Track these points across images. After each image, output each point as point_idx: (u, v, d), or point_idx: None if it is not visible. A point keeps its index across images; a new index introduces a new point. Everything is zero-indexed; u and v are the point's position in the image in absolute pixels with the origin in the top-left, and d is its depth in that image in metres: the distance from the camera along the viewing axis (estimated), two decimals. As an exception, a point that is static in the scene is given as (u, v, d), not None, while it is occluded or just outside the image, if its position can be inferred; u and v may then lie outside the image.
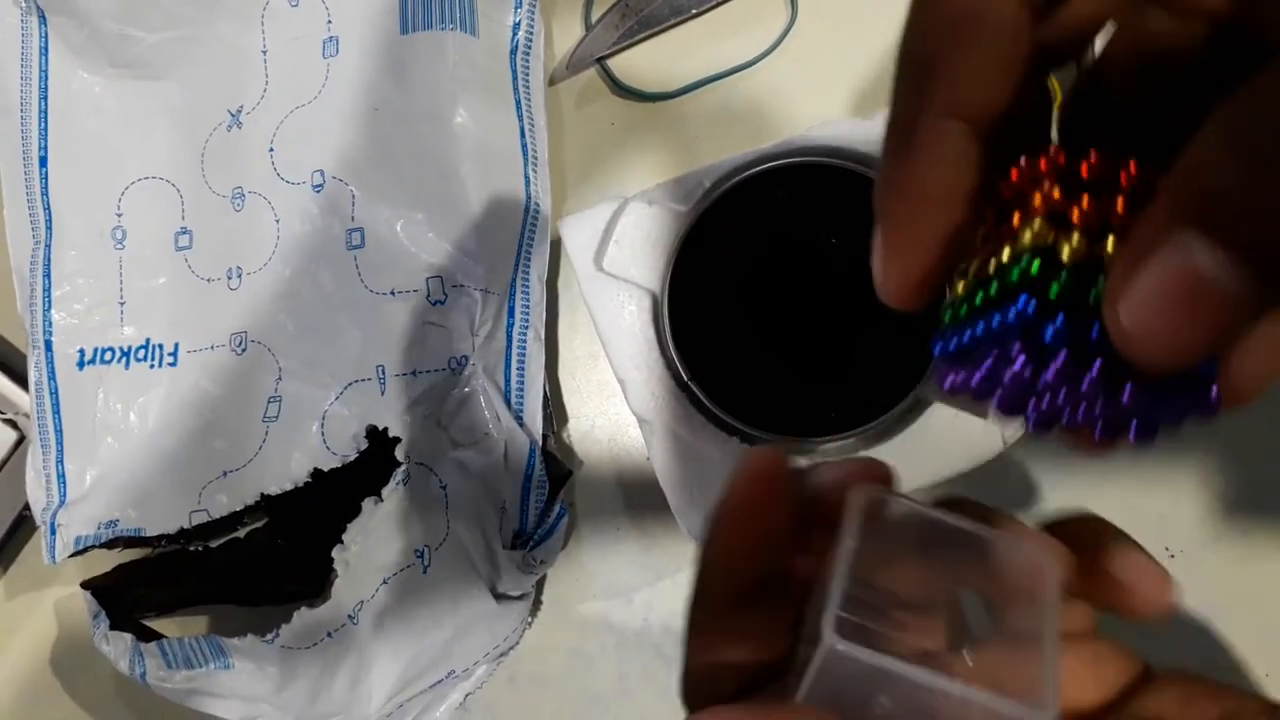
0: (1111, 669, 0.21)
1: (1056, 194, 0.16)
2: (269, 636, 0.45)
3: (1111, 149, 0.17)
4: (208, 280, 0.51)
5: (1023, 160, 0.17)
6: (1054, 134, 0.19)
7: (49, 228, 0.52)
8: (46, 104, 0.53)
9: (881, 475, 0.21)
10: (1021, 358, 0.16)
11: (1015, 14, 0.17)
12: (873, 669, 0.17)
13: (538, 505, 0.47)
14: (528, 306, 0.48)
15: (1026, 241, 0.16)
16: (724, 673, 0.21)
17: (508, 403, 0.47)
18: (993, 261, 0.16)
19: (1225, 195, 0.13)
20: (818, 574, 0.21)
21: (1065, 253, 0.15)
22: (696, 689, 0.22)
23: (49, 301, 0.52)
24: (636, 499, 0.51)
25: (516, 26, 0.50)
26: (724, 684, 0.21)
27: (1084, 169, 0.16)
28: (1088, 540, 0.21)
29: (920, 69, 0.17)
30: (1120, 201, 0.16)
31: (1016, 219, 0.16)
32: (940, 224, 0.17)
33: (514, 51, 0.50)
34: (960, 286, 0.17)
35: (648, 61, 0.53)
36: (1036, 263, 0.15)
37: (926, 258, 0.18)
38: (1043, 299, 0.15)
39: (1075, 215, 0.16)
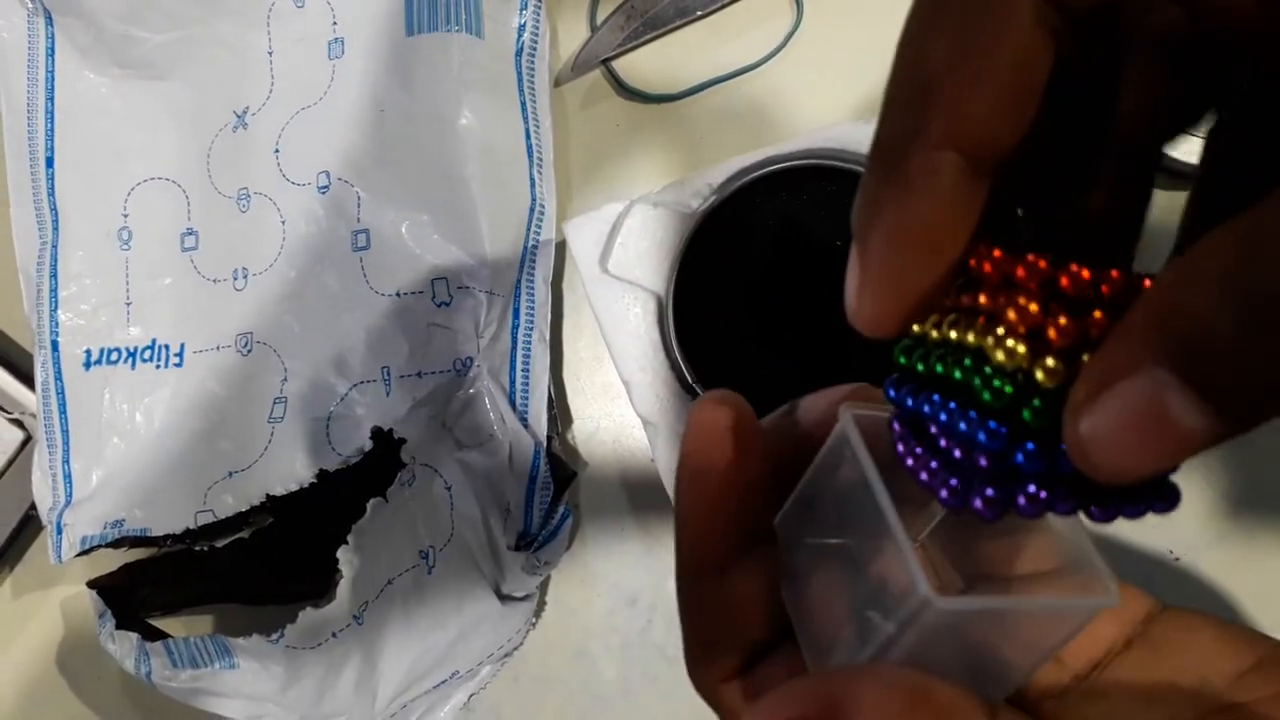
0: (1129, 607, 0.21)
1: (1034, 308, 0.15)
2: (274, 636, 0.46)
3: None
4: (213, 281, 0.51)
5: (996, 253, 0.16)
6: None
7: (55, 228, 0.52)
8: (53, 104, 0.53)
9: (871, 395, 0.19)
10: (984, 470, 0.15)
11: (1033, 35, 0.15)
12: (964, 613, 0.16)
13: (542, 506, 0.47)
14: (532, 308, 0.48)
15: (1000, 359, 0.15)
16: (727, 644, 0.20)
17: (512, 404, 0.47)
18: (969, 333, 0.16)
19: (1211, 349, 0.12)
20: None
21: (1041, 377, 0.15)
22: (702, 668, 0.21)
23: (55, 302, 0.52)
24: (641, 500, 0.52)
25: (522, 28, 0.50)
26: (730, 657, 0.20)
27: (1066, 281, 0.15)
28: None
29: (918, 86, 0.16)
30: (1099, 316, 0.15)
31: (986, 300, 0.16)
32: (925, 268, 0.16)
33: (519, 53, 0.50)
34: (930, 328, 0.17)
35: (653, 63, 0.53)
36: (1009, 389, 0.15)
37: (905, 299, 0.16)
38: (1014, 424, 0.15)
39: (1053, 334, 0.15)
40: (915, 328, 0.17)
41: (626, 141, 0.54)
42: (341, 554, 0.46)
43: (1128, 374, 0.13)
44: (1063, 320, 0.15)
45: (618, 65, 0.53)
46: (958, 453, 0.16)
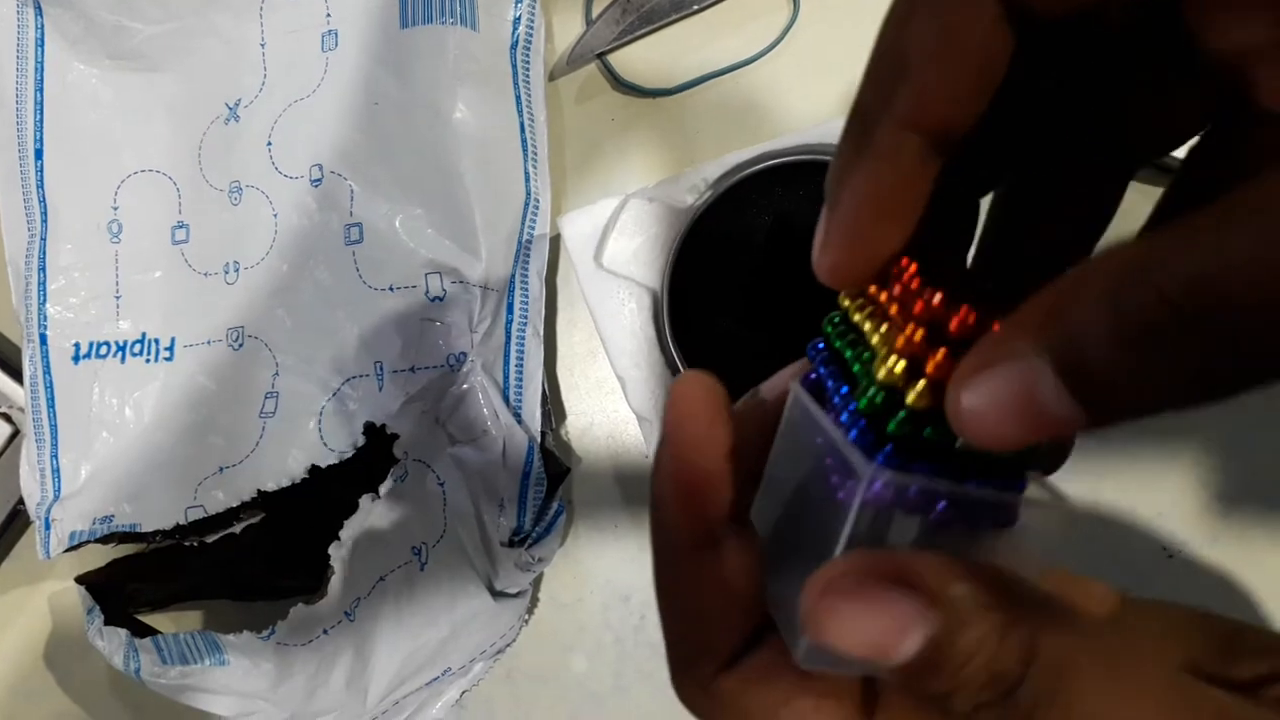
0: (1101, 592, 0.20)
1: (918, 337, 0.17)
2: (265, 633, 0.45)
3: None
4: (204, 274, 0.50)
5: (912, 269, 0.18)
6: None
7: (44, 221, 0.52)
8: (42, 96, 0.53)
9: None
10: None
11: (994, 36, 0.17)
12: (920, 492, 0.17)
13: (536, 503, 0.47)
14: (526, 303, 0.48)
15: (880, 375, 0.17)
16: (712, 634, 0.20)
17: (506, 400, 0.47)
18: (874, 332, 0.18)
19: (1084, 352, 0.14)
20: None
21: (910, 399, 0.17)
22: (686, 667, 0.20)
23: (44, 295, 0.51)
24: (635, 496, 0.51)
25: (517, 21, 0.50)
26: (716, 649, 0.20)
27: (954, 325, 0.17)
28: None
29: (891, 68, 0.18)
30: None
31: (895, 311, 0.18)
32: (880, 233, 0.18)
33: (514, 46, 0.50)
34: (855, 308, 0.19)
35: (648, 57, 0.53)
36: (880, 399, 0.17)
37: (862, 256, 0.18)
38: (879, 431, 0.17)
39: (929, 367, 0.17)
40: (845, 301, 0.19)
41: (621, 136, 0.53)
42: (333, 550, 0.45)
43: (1009, 358, 0.14)
44: (939, 355, 0.16)
45: (613, 59, 0.53)
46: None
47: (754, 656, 0.20)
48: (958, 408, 0.15)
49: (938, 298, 0.17)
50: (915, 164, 0.18)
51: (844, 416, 0.18)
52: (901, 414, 0.17)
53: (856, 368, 0.18)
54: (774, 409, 0.21)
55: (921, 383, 0.17)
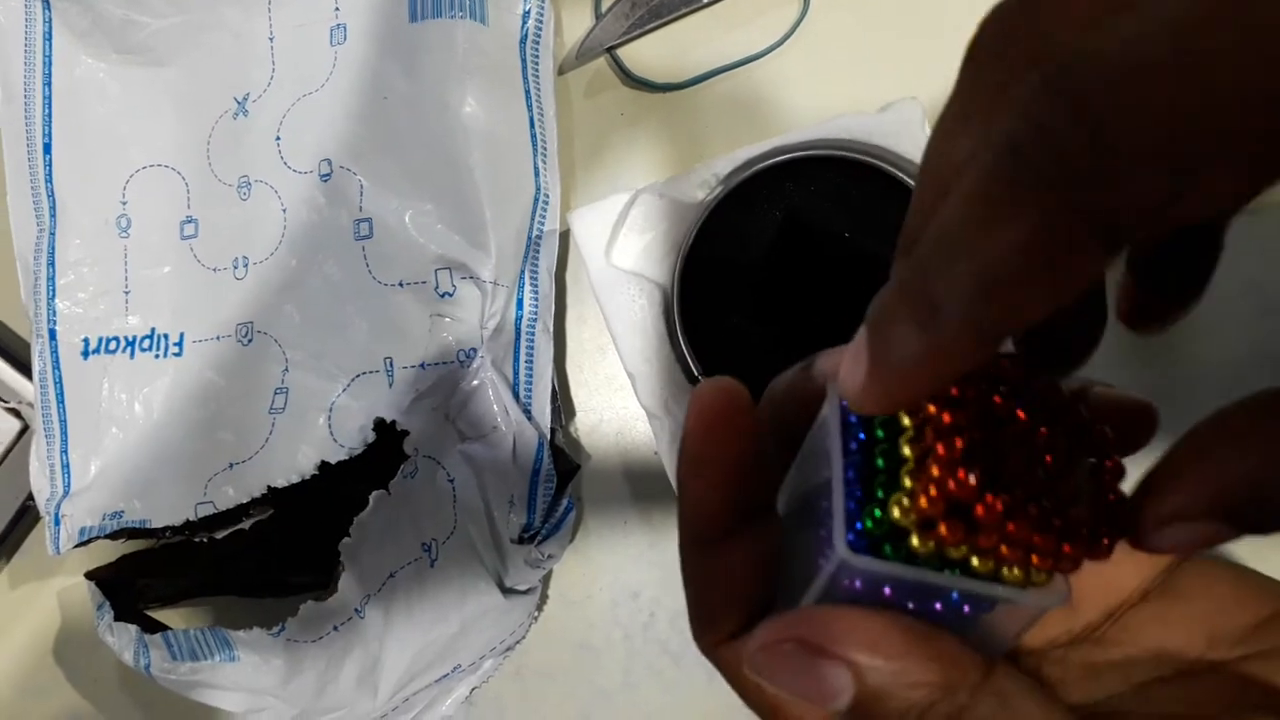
0: (1149, 557, 0.21)
1: (940, 509, 0.17)
2: (275, 630, 0.45)
3: None
4: (213, 269, 0.50)
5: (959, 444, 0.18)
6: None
7: (53, 215, 0.52)
8: (50, 90, 0.52)
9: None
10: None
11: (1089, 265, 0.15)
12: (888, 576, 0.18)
13: (545, 499, 0.47)
14: (536, 299, 0.48)
15: (894, 513, 0.17)
16: (724, 609, 0.21)
17: (516, 396, 0.47)
18: (906, 460, 0.18)
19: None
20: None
21: (915, 542, 0.17)
22: (702, 632, 0.22)
23: (53, 290, 0.51)
24: (644, 493, 0.51)
25: (526, 15, 0.49)
26: (728, 621, 0.21)
27: (980, 510, 0.17)
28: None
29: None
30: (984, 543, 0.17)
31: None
32: (921, 388, 0.17)
33: (524, 40, 0.49)
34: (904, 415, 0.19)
35: (658, 51, 0.53)
36: (875, 525, 0.18)
37: (893, 400, 0.17)
38: (873, 542, 0.18)
39: (943, 529, 0.17)
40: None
41: (631, 130, 0.53)
42: (343, 547, 0.45)
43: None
44: (943, 529, 0.17)
45: (623, 53, 0.53)
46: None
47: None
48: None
49: (973, 479, 0.17)
50: (978, 351, 0.16)
51: (852, 513, 0.18)
52: (899, 545, 0.18)
53: (880, 483, 0.18)
54: (820, 389, 0.21)
55: (930, 540, 0.17)
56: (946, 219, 0.15)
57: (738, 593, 0.21)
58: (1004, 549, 0.17)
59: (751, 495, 0.21)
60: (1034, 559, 0.17)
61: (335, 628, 0.46)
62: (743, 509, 0.21)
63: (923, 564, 0.18)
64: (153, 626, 0.48)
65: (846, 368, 0.17)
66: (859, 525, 0.18)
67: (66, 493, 0.50)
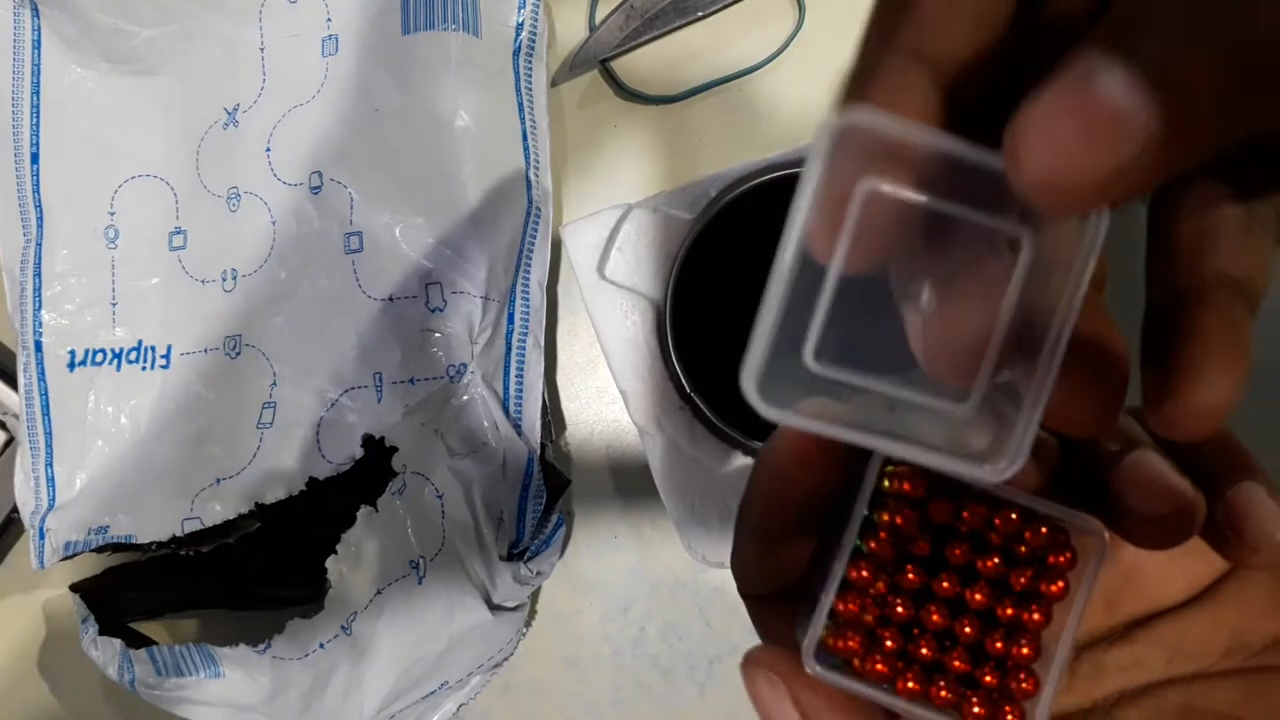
0: (1198, 564, 0.21)
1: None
2: (260, 646, 0.45)
3: None
4: (202, 281, 0.50)
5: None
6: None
7: (40, 226, 0.51)
8: (38, 99, 0.52)
9: None
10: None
11: None
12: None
13: (535, 515, 0.46)
14: (527, 313, 0.47)
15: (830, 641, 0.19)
16: (765, 582, 0.22)
17: (506, 411, 0.46)
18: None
19: (1141, 26, 0.12)
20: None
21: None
22: (742, 583, 0.23)
23: (39, 301, 0.51)
24: (634, 507, 0.51)
25: (520, 27, 0.49)
26: (765, 589, 0.22)
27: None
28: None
29: (893, 11, 0.17)
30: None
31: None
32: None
33: (517, 52, 0.49)
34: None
35: (652, 64, 0.53)
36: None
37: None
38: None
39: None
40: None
41: (624, 143, 0.53)
42: (331, 563, 0.45)
43: (1062, 72, 0.13)
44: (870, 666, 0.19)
45: (616, 65, 0.53)
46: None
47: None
48: (1013, 141, 0.13)
49: (854, 644, 0.19)
50: (922, 91, 0.16)
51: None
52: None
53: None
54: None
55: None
56: None
57: (775, 574, 0.22)
58: (944, 692, 0.19)
59: (812, 513, 0.21)
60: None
61: (322, 644, 0.45)
62: (801, 524, 0.21)
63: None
64: (138, 640, 0.47)
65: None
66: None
67: (51, 506, 0.49)
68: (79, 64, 0.52)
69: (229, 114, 0.50)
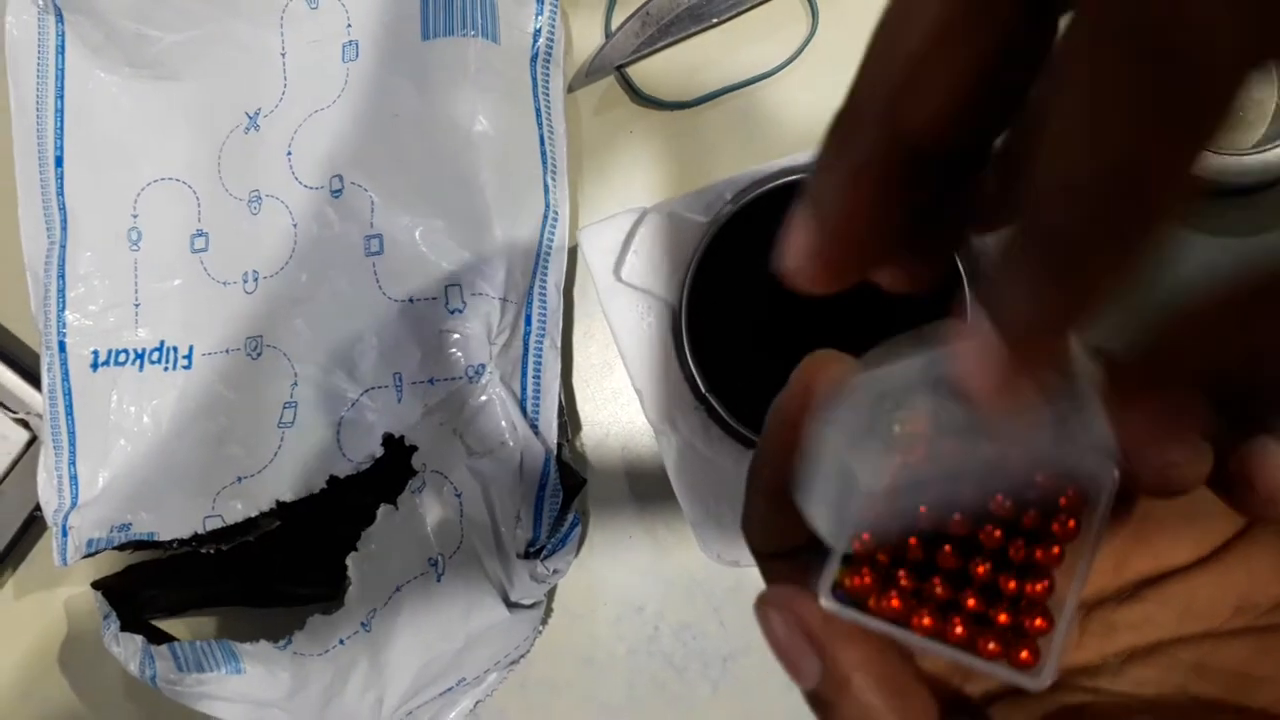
0: (1207, 525, 0.21)
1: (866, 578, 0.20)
2: (281, 642, 0.45)
3: None
4: (223, 283, 0.51)
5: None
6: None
7: (64, 228, 0.52)
8: (63, 103, 0.53)
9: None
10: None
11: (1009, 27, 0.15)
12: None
13: (551, 514, 0.47)
14: (545, 315, 0.48)
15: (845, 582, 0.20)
16: (773, 540, 0.22)
17: (523, 411, 0.47)
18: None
19: None
20: None
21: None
22: (749, 537, 0.23)
23: (63, 302, 0.51)
24: (649, 508, 0.51)
25: (537, 33, 0.50)
26: (774, 546, 0.23)
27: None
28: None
29: (881, 61, 0.16)
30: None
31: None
32: (849, 234, 0.17)
33: (534, 58, 0.50)
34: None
35: (667, 70, 0.53)
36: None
37: (826, 258, 0.17)
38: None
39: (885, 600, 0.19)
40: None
41: (640, 148, 0.53)
42: (350, 560, 0.46)
43: None
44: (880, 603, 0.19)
45: (632, 71, 0.53)
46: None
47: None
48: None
49: (868, 579, 0.19)
50: (893, 171, 0.16)
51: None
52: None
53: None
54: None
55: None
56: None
57: (787, 530, 0.22)
58: (958, 628, 0.19)
59: None
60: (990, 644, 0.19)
61: (341, 641, 0.46)
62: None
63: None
64: (159, 637, 0.48)
65: (784, 246, 0.17)
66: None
67: (74, 504, 0.50)
68: (102, 69, 0.53)
69: (250, 118, 0.51)
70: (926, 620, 0.19)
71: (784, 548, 0.22)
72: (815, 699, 0.20)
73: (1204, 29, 0.11)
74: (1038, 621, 0.19)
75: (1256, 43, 0.11)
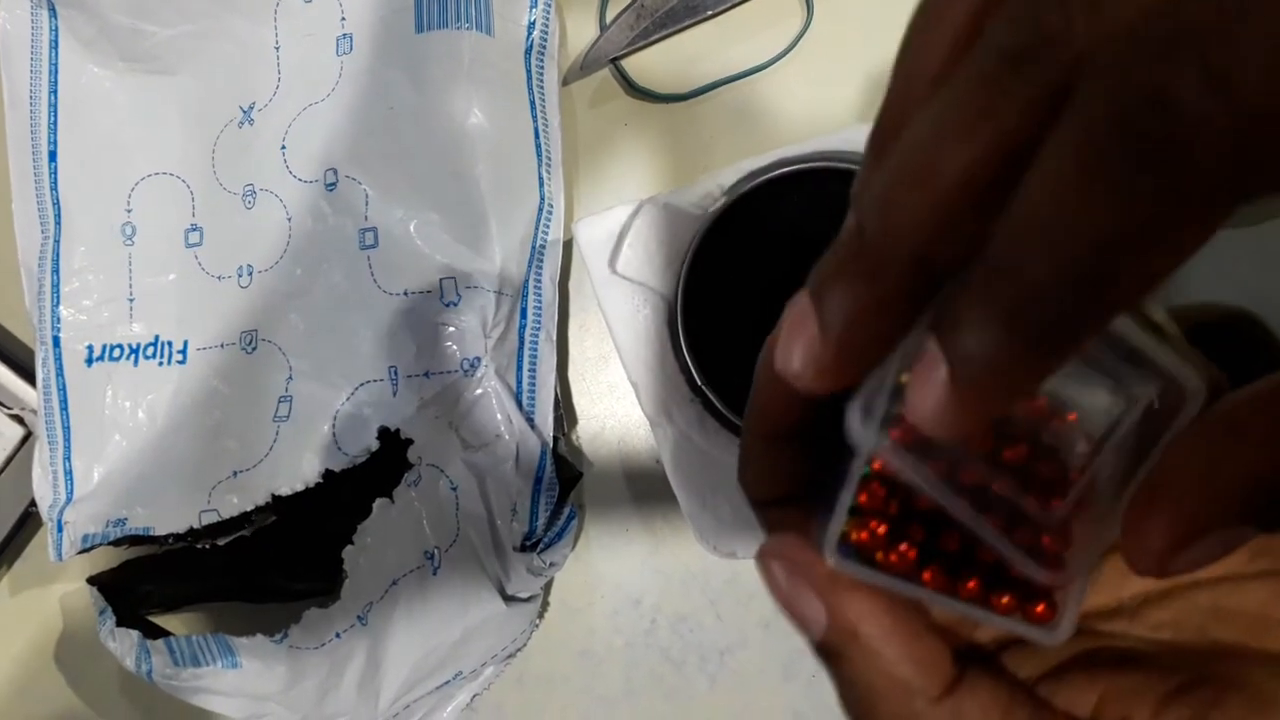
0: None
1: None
2: (277, 636, 0.45)
3: None
4: (218, 278, 0.51)
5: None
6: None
7: (58, 223, 0.52)
8: (56, 98, 0.53)
9: None
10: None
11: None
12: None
13: (548, 507, 0.47)
14: (540, 308, 0.48)
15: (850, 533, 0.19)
16: (770, 485, 0.22)
17: (519, 404, 0.47)
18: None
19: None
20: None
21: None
22: (746, 485, 0.23)
23: (57, 297, 0.51)
24: (646, 501, 0.51)
25: (532, 26, 0.50)
26: (770, 492, 0.22)
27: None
28: None
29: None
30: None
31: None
32: (875, 330, 0.16)
33: (529, 51, 0.50)
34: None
35: (662, 62, 0.53)
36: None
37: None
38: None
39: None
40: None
41: (635, 141, 0.53)
42: (346, 554, 0.46)
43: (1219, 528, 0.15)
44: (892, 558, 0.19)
45: (627, 64, 0.53)
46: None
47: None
48: (1161, 569, 0.16)
49: (881, 529, 0.19)
50: (920, 295, 0.16)
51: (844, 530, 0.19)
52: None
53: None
54: None
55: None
56: (1032, 201, 0.13)
57: (784, 476, 0.22)
58: (971, 583, 0.18)
59: (819, 408, 0.20)
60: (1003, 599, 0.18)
61: (337, 634, 0.46)
62: (806, 421, 0.21)
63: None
64: (155, 632, 0.48)
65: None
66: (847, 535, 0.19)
67: (69, 500, 0.50)
68: (96, 64, 0.53)
69: (244, 112, 0.51)
70: (937, 575, 0.18)
71: (781, 495, 0.22)
72: (823, 649, 0.20)
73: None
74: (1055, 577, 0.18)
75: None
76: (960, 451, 0.18)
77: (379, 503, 0.46)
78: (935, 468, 0.17)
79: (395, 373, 0.46)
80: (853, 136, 0.46)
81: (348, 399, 0.47)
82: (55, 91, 0.53)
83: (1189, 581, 0.20)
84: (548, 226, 0.49)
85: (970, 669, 0.19)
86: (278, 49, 0.51)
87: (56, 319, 0.51)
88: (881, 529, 0.19)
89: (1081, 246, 0.13)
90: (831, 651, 0.19)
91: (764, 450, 0.22)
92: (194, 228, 0.51)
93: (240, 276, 0.50)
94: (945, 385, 0.15)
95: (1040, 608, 0.18)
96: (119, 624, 0.46)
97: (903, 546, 0.18)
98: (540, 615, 0.50)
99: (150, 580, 0.51)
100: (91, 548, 0.49)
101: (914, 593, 0.18)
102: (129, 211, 0.52)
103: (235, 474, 0.48)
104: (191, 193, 0.52)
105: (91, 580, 0.49)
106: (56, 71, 0.53)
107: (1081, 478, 0.18)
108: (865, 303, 0.16)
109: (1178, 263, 0.13)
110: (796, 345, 0.17)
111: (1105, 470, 0.18)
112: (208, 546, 0.50)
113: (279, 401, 0.47)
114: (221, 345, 0.50)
